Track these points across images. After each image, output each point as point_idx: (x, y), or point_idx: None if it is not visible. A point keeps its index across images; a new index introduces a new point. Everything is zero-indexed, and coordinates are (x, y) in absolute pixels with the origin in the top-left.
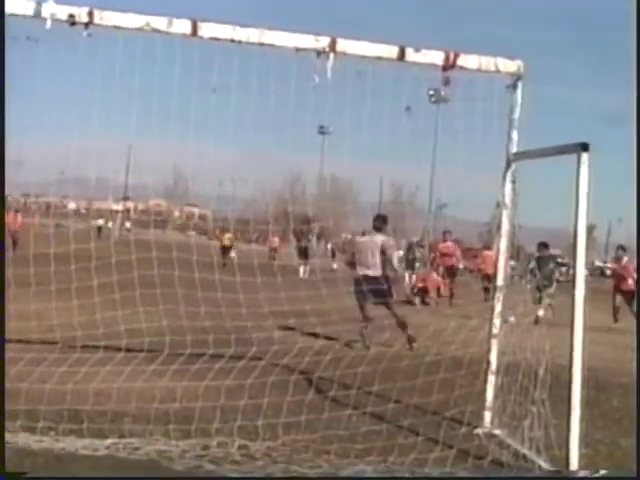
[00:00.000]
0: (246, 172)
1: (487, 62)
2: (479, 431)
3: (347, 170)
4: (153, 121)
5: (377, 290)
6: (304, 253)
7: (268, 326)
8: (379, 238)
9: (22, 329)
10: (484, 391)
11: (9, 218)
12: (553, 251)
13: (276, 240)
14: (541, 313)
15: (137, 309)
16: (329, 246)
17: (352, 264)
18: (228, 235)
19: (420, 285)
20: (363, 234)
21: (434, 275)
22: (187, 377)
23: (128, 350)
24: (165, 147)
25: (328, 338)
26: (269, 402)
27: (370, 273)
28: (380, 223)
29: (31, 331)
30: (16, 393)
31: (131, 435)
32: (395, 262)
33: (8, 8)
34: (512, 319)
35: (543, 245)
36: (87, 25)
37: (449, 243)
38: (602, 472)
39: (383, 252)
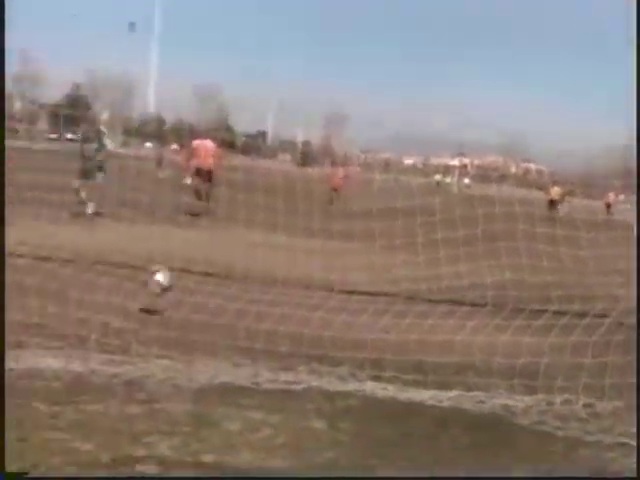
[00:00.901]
0: None
1: None
2: None
3: None
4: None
5: None
6: None
7: (614, 283)
8: None
9: (367, 281)
10: None
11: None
12: None
13: (611, 195)
14: None
15: (480, 263)
16: None
17: None
18: (556, 189)
19: None
20: None
21: None
22: (530, 332)
23: (472, 304)
24: (503, 103)
25: None
26: (614, 361)
27: None
28: None
29: (376, 283)
30: (362, 343)
31: (476, 388)
32: None
33: None
34: None
35: None
36: None
37: None
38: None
39: None
